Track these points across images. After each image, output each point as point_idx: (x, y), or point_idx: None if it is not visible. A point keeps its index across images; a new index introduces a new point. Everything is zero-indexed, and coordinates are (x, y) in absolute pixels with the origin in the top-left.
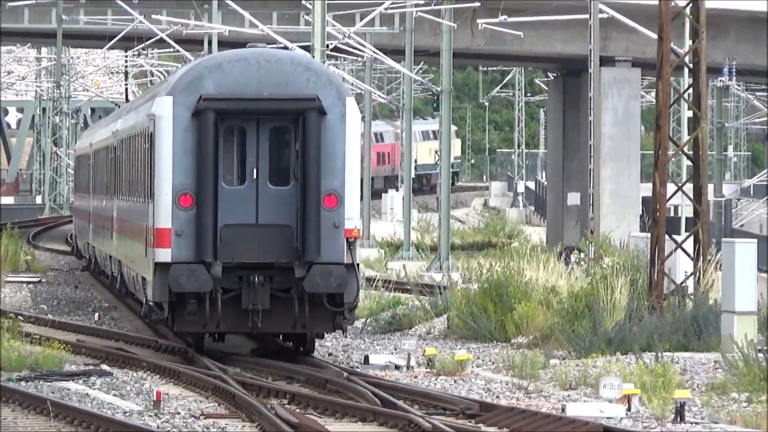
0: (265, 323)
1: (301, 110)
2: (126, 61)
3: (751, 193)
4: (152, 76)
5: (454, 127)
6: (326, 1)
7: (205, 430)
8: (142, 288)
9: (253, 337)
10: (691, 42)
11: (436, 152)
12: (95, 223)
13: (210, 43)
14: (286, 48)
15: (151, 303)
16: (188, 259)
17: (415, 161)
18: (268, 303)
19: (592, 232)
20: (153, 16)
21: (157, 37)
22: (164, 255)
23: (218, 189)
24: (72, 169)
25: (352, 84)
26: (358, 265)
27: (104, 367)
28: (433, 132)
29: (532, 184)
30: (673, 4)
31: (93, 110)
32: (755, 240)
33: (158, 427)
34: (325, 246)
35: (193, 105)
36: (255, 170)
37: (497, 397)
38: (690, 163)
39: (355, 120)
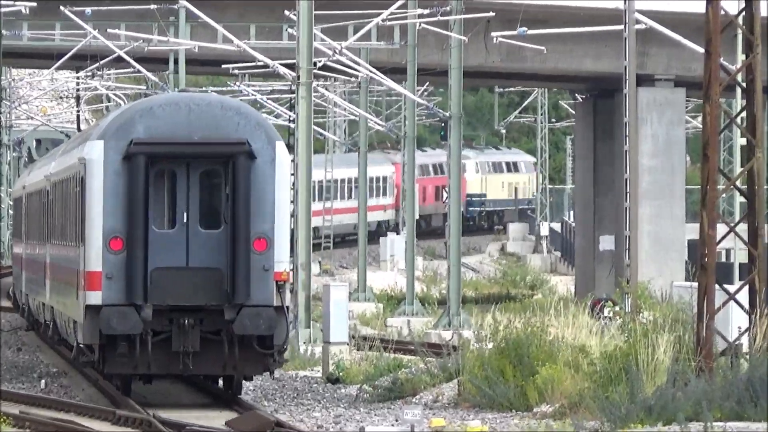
0: (196, 365)
1: (231, 154)
2: (77, 83)
3: None
4: (109, 101)
5: (531, 158)
6: (314, 11)
7: None
8: (73, 331)
9: (182, 379)
10: (744, 57)
11: (516, 186)
12: (29, 271)
13: (176, 61)
14: (266, 66)
15: (81, 345)
16: (119, 301)
17: (483, 195)
18: (198, 345)
19: (628, 282)
20: (109, 31)
21: (114, 55)
22: (95, 297)
23: (149, 232)
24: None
25: (345, 108)
26: (287, 307)
27: None
28: (508, 164)
29: (557, 226)
30: (722, 12)
31: (39, 142)
32: None
33: None
34: (255, 289)
35: (124, 149)
36: (185, 214)
37: None
38: (744, 199)
39: (284, 164)
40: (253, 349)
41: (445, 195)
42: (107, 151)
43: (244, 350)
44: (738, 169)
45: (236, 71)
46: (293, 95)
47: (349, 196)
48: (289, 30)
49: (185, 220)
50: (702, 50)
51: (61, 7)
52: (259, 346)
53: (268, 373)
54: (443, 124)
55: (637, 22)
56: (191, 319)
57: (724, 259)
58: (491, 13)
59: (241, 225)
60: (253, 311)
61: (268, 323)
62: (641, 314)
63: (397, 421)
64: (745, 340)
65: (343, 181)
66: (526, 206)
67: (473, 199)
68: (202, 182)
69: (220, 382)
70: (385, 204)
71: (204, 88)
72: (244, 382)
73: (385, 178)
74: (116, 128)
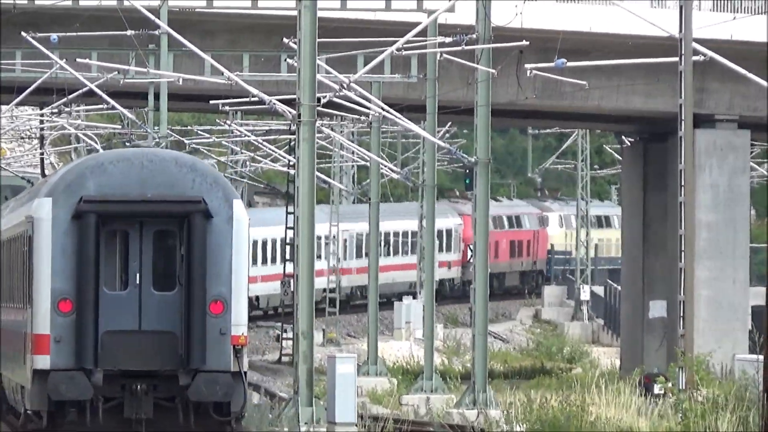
0: None
1: (186, 213)
2: (41, 121)
3: None
4: (78, 142)
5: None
6: (317, 39)
7: None
8: (21, 397)
9: None
10: None
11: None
12: None
13: (157, 96)
14: (261, 102)
15: (29, 412)
16: (68, 366)
17: (569, 253)
18: (152, 412)
19: (683, 354)
20: (79, 61)
21: (85, 89)
22: (42, 362)
23: (99, 294)
24: None
25: (354, 152)
26: (245, 373)
27: None
28: (599, 218)
29: (600, 290)
30: None
31: None
32: None
33: None
34: (211, 353)
35: (73, 207)
36: (138, 275)
37: None
38: None
39: (242, 222)
40: (209, 416)
41: (525, 250)
42: (56, 210)
43: (199, 417)
44: None
45: (226, 108)
46: (293, 136)
47: (402, 252)
48: (289, 60)
49: (138, 282)
50: None
51: (23, 33)
52: (216, 413)
53: None
54: (467, 171)
55: (695, 53)
56: (144, 384)
57: None
58: (524, 42)
59: (197, 286)
60: (209, 377)
61: (225, 389)
62: (698, 391)
63: None
64: None
65: (395, 234)
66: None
67: (557, 257)
68: (156, 242)
69: None
70: (450, 260)
71: (189, 127)
72: None
73: (449, 231)
74: (65, 185)
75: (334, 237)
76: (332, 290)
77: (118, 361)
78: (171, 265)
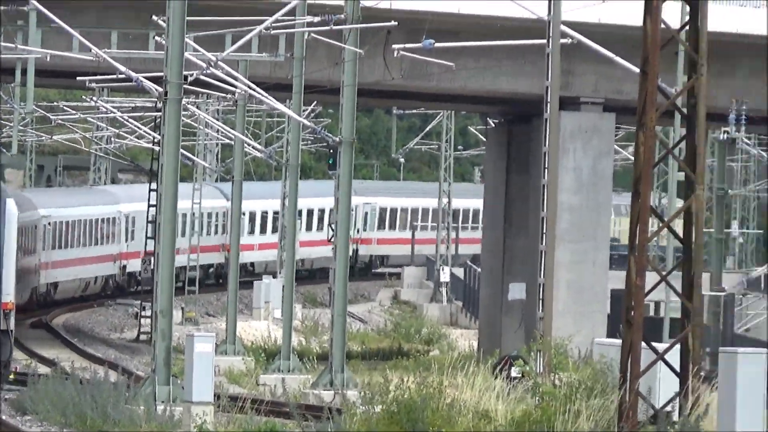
0: None
1: None
2: None
3: (762, 285)
4: None
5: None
6: (186, 17)
7: None
8: None
9: None
10: (686, 78)
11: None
12: None
13: (24, 72)
14: (128, 79)
15: None
16: None
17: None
18: None
19: (541, 337)
20: None
21: None
22: None
23: None
24: None
25: (219, 130)
26: (12, 331)
27: None
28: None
29: (460, 272)
30: (663, 26)
31: None
32: (766, 350)
33: None
34: None
35: None
36: None
37: None
38: (679, 244)
39: (12, 216)
40: None
41: None
42: None
43: None
44: (674, 209)
45: (93, 84)
46: (159, 113)
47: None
48: (157, 38)
49: None
50: (637, 70)
51: None
52: None
53: None
54: (332, 151)
55: (563, 36)
56: None
57: (653, 313)
58: (393, 23)
59: None
60: None
61: None
62: (556, 375)
63: None
64: (676, 407)
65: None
66: None
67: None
68: None
69: None
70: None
71: (55, 103)
72: None
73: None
74: None
75: (194, 214)
76: (192, 268)
77: None
78: None
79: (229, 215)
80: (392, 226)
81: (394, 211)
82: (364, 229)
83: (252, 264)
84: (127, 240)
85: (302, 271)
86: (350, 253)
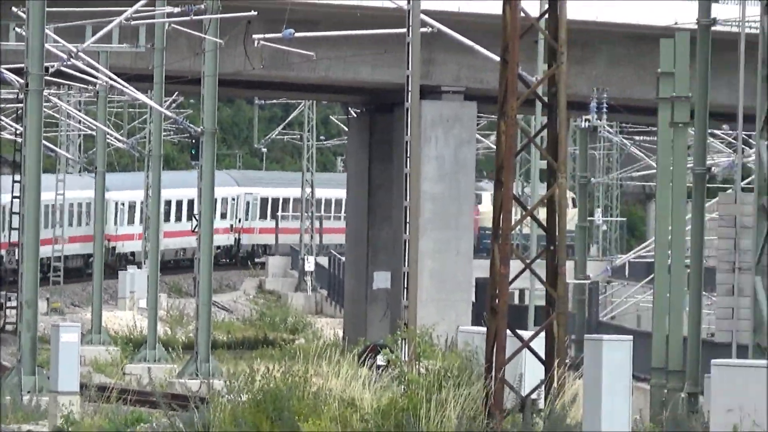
0: None
1: None
2: None
3: (626, 273)
4: None
5: (570, 194)
6: (46, 8)
7: None
8: None
9: None
10: (546, 67)
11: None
12: None
13: None
14: None
15: None
16: None
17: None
18: None
19: (406, 325)
20: None
21: None
22: None
23: None
24: None
25: (81, 121)
26: None
27: None
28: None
29: (324, 261)
30: (522, 14)
31: None
32: (630, 337)
33: None
34: None
35: None
36: None
37: None
38: (542, 232)
39: None
40: None
41: None
42: None
43: None
44: (537, 197)
45: None
46: (20, 105)
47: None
48: (17, 29)
49: None
50: (498, 59)
51: None
52: None
53: None
54: (194, 141)
55: (423, 24)
56: None
57: (518, 301)
58: (253, 13)
59: None
60: None
61: None
62: (421, 363)
63: None
64: (541, 395)
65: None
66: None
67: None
68: None
69: None
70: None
71: None
72: None
73: (225, 200)
74: None
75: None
76: (57, 259)
77: None
78: None
79: (93, 206)
80: (275, 216)
81: (276, 201)
82: (246, 219)
83: (133, 254)
84: None
85: (183, 260)
86: (232, 242)
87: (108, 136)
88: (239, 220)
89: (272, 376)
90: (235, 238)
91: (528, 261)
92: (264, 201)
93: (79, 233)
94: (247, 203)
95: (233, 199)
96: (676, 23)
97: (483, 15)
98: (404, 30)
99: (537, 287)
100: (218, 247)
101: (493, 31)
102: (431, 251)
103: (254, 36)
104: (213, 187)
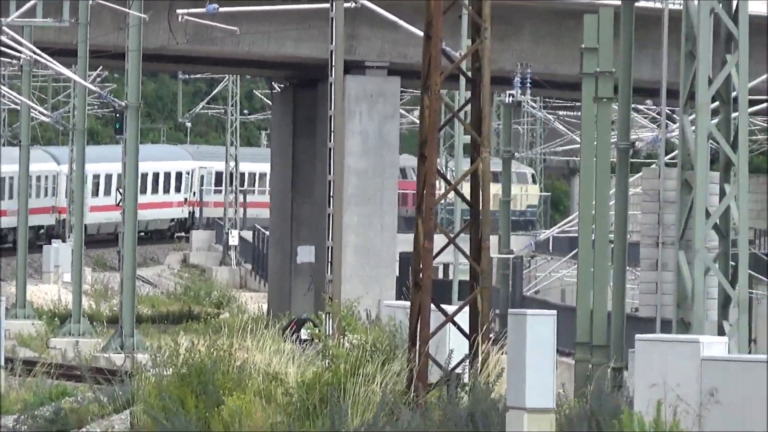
0: None
1: None
2: None
3: (550, 248)
4: None
5: (530, 170)
6: None
7: None
8: None
9: None
10: (470, 42)
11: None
12: None
13: None
14: None
15: None
16: None
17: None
18: None
19: (330, 300)
20: None
21: None
22: None
23: None
24: None
25: (5, 96)
26: None
27: None
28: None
29: (248, 235)
30: None
31: None
32: (554, 312)
33: None
34: None
35: None
36: None
37: None
38: (467, 207)
39: None
40: None
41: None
42: None
43: None
44: (461, 172)
45: None
46: None
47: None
48: None
49: None
50: (421, 34)
51: None
52: None
53: None
54: (118, 115)
55: None
56: None
57: (442, 276)
58: None
59: None
60: None
61: None
62: (345, 337)
63: None
64: (466, 369)
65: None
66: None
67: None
68: None
69: None
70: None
71: None
72: None
73: (179, 174)
74: None
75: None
76: None
77: None
78: None
79: (17, 179)
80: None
81: (231, 175)
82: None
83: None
84: None
85: (140, 233)
86: (186, 215)
87: (32, 110)
88: (194, 194)
89: (197, 351)
90: (190, 212)
91: (452, 235)
92: (219, 175)
93: (44, 205)
94: (201, 177)
95: (188, 173)
96: None
97: None
98: (327, 5)
99: (461, 262)
100: (173, 220)
101: (417, 6)
102: (355, 226)
103: (178, 11)
104: (137, 160)
